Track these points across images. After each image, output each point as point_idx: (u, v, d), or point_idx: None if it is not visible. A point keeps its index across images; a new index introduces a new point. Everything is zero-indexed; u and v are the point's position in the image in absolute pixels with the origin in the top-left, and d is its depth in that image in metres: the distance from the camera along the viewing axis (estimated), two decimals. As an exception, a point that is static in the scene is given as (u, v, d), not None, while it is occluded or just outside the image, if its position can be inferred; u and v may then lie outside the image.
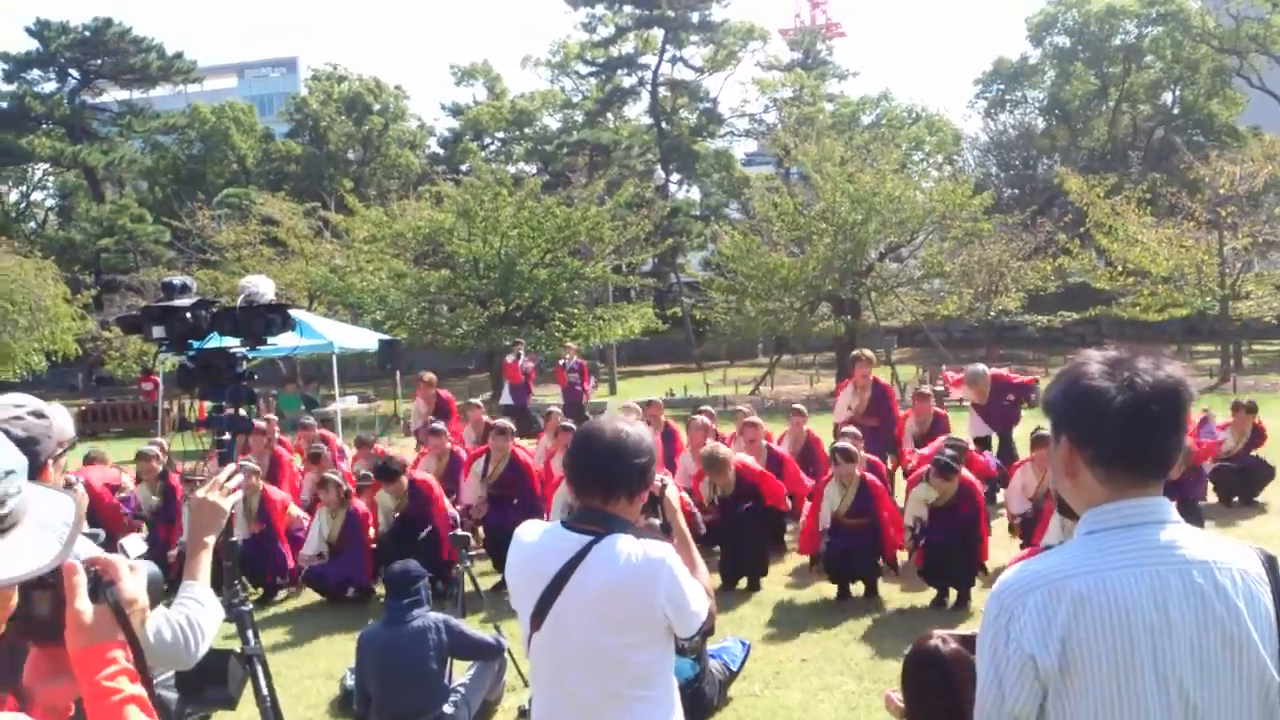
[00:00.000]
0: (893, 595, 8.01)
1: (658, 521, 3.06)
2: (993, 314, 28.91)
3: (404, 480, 8.72)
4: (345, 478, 9.21)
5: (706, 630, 2.94)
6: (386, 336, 20.78)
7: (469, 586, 6.94)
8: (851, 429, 9.69)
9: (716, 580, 8.04)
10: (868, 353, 11.78)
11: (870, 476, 8.36)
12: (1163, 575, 1.84)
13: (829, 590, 8.09)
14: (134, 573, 1.81)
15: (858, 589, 8.09)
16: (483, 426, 11.27)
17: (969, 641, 2.93)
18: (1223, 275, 25.34)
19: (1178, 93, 44.18)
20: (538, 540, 2.86)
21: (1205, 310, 27.39)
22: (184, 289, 3.80)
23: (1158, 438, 1.90)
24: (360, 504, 8.83)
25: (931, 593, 7.84)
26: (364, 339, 19.09)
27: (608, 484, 2.80)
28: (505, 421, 10.09)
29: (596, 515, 2.80)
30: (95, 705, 1.77)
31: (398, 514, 8.76)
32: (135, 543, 2.50)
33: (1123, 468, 1.90)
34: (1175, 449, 1.93)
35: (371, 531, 8.80)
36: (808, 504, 8.84)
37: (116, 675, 1.78)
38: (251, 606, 3.93)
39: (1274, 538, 8.57)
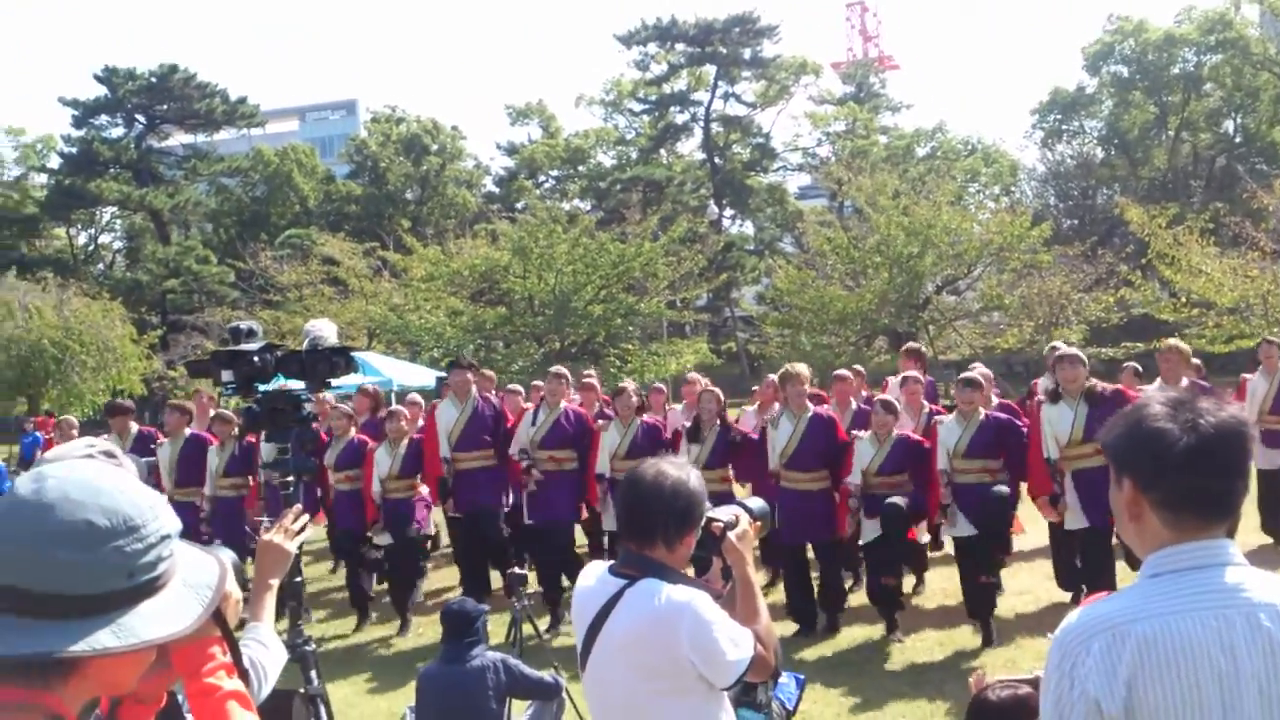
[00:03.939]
0: (954, 635, 7.88)
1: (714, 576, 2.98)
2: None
3: (470, 376, 9.25)
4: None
5: (772, 675, 2.89)
6: (444, 374, 20.98)
7: (526, 626, 6.94)
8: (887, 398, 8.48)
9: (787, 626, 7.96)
10: (855, 368, 10.51)
11: (911, 434, 8.06)
12: (1229, 618, 1.81)
13: (881, 625, 7.94)
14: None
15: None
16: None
17: (1035, 683, 2.88)
18: (1289, 305, 24.80)
19: (1239, 120, 43.54)
20: (590, 585, 2.87)
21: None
22: (250, 334, 3.89)
23: (1224, 480, 1.89)
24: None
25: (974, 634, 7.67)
26: (422, 376, 19.29)
27: (643, 528, 2.79)
28: (561, 368, 9.82)
29: (634, 559, 2.80)
30: (199, 702, 1.85)
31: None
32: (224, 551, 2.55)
33: (1190, 511, 1.88)
34: (1241, 491, 1.92)
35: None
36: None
37: (216, 670, 1.86)
38: (315, 647, 3.97)
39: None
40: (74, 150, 47.31)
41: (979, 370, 9.00)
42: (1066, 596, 7.98)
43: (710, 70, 48.20)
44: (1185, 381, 8.13)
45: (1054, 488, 7.31)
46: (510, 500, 9.43)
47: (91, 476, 1.43)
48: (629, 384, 9.43)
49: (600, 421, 9.07)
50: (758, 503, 3.16)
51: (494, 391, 10.57)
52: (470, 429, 9.09)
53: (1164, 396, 1.95)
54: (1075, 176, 45.01)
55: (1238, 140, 43.43)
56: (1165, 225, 26.85)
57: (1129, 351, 29.22)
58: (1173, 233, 26.54)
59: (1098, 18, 65.40)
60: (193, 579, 1.50)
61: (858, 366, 10.80)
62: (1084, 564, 7.52)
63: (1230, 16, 41.05)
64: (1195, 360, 10.19)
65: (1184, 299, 26.21)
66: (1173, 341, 8.88)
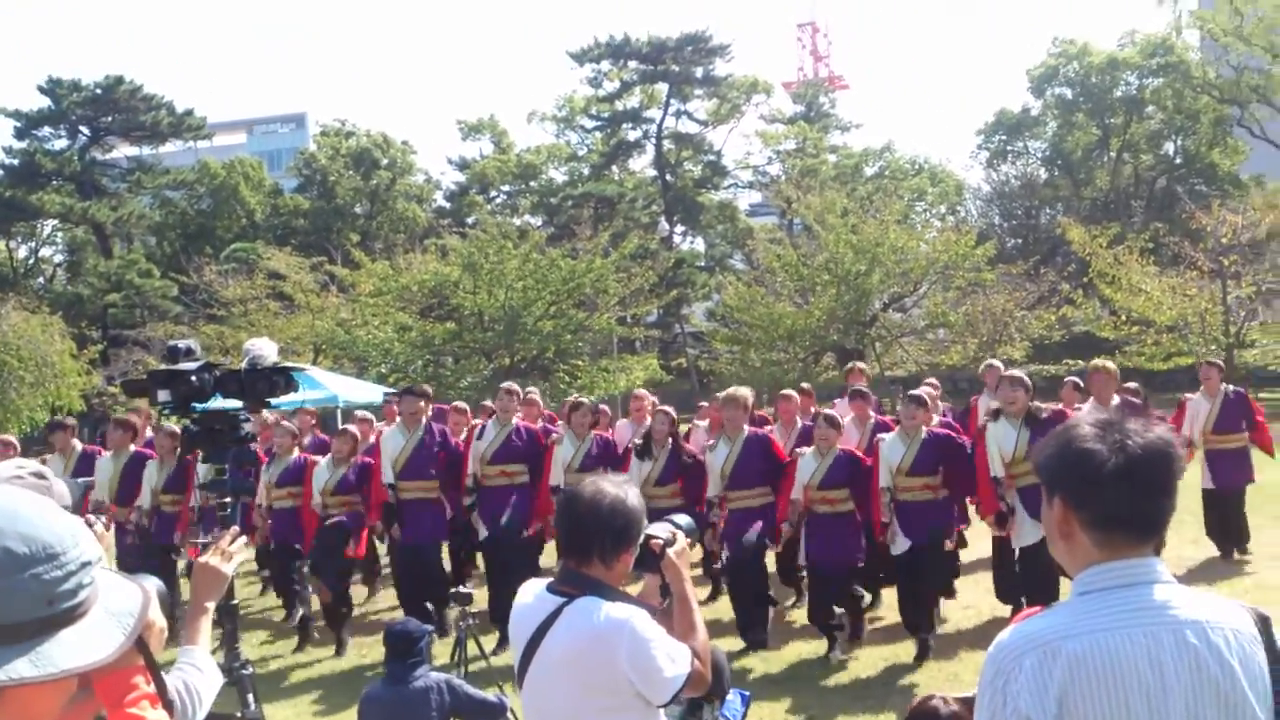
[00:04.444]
0: (894, 650, 7.93)
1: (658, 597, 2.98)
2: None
3: (422, 405, 8.99)
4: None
5: (712, 694, 2.90)
6: (391, 390, 20.82)
7: (471, 646, 6.88)
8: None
9: (733, 643, 7.97)
10: (804, 386, 10.77)
11: (854, 450, 8.11)
12: (1157, 635, 1.84)
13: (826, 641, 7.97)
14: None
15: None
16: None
17: (970, 704, 2.91)
18: (1227, 324, 25.34)
19: (1179, 143, 44.46)
20: (528, 602, 2.87)
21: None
22: (189, 353, 3.83)
23: (1152, 500, 1.92)
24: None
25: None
26: (369, 392, 19.13)
27: (581, 546, 2.81)
28: (512, 384, 9.71)
29: (573, 577, 2.81)
30: None
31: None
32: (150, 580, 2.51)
33: (1118, 530, 1.91)
34: (1168, 510, 1.95)
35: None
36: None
37: (140, 701, 1.83)
38: (252, 670, 3.92)
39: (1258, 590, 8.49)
40: (15, 162, 46.47)
41: (926, 389, 9.08)
42: (1008, 610, 8.06)
43: (662, 88, 48.42)
44: (1116, 400, 8.29)
45: (1001, 505, 7.42)
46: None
47: (10, 502, 1.39)
48: (585, 399, 9.42)
49: (554, 435, 9.01)
50: (685, 519, 3.18)
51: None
52: (416, 459, 8.89)
53: (1093, 418, 1.98)
54: (1019, 196, 45.70)
55: (1178, 162, 44.32)
56: (1106, 245, 27.37)
57: (1070, 368, 29.65)
58: (1113, 252, 27.06)
59: (1043, 41, 66.54)
60: (115, 606, 1.47)
61: (805, 385, 10.82)
62: (1026, 578, 7.58)
63: (1171, 41, 41.98)
64: (1131, 384, 10.41)
65: (1124, 317, 26.71)
66: (1100, 361, 9.09)
